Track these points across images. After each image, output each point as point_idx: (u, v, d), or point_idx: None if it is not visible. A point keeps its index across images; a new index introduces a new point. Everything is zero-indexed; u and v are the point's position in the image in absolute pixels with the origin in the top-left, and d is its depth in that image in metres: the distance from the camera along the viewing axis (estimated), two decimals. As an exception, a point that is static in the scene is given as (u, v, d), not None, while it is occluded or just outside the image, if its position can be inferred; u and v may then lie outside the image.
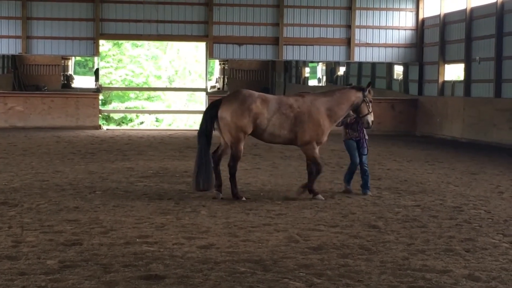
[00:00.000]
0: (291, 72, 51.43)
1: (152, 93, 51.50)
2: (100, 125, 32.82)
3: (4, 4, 31.85)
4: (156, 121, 47.34)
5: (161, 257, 8.66)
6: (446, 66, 32.16)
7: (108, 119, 44.45)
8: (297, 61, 46.54)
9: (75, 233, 9.94)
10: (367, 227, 10.85)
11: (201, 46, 39.19)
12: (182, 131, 33.89)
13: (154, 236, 9.85)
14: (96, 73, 44.65)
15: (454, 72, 32.71)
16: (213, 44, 32.74)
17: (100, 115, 33.78)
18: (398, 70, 37.18)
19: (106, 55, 50.67)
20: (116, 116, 46.91)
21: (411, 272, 8.18)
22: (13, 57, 56.40)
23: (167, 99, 51.48)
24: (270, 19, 32.96)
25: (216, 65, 56.83)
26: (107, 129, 33.50)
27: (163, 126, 44.98)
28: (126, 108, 49.03)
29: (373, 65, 38.19)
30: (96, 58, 56.86)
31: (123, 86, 52.03)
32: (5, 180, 15.02)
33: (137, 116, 47.61)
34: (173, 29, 32.70)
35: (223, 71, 56.86)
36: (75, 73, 65.62)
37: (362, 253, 9.09)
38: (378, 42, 33.54)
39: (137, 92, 51.60)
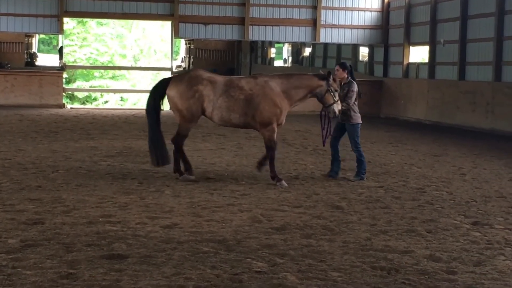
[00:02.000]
0: (257, 52, 51.39)
1: (117, 72, 51.19)
2: (64, 104, 32.51)
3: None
4: (121, 100, 47.11)
5: (124, 236, 8.63)
6: (411, 48, 32.31)
7: (72, 97, 44.13)
8: (263, 42, 46.51)
9: (37, 212, 9.87)
10: (331, 207, 10.90)
11: (167, 25, 38.93)
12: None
13: (117, 216, 9.81)
14: (61, 51, 44.25)
15: (418, 54, 32.88)
16: (179, 23, 32.53)
17: (64, 94, 33.50)
18: (364, 52, 37.28)
19: (70, 33, 50.25)
20: (80, 94, 46.59)
21: (373, 253, 8.24)
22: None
23: (132, 78, 51.23)
24: (234, -2, 32.86)
25: (182, 44, 56.57)
26: (71, 108, 33.23)
27: (128, 105, 44.74)
28: (91, 87, 48.66)
29: (339, 46, 38.24)
30: (60, 36, 56.30)
31: (88, 64, 51.61)
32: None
33: (101, 95, 47.34)
34: (139, 7, 32.40)
35: (189, 51, 56.64)
36: (39, 51, 64.78)
37: (325, 234, 9.14)
38: (344, 24, 33.53)
39: (102, 71, 51.25)
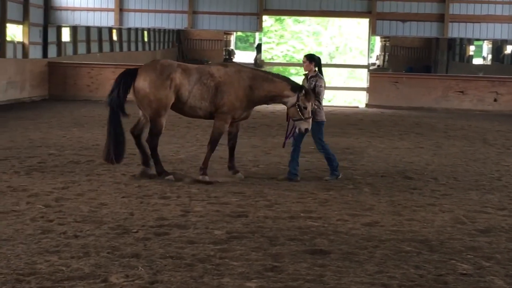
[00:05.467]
0: (455, 50, 50.18)
1: (313, 69, 51.55)
2: (261, 100, 33.15)
3: (171, -20, 32.70)
4: (316, 97, 47.41)
5: (325, 232, 8.70)
6: None
7: (268, 94, 44.86)
8: (461, 39, 45.33)
9: (240, 205, 10.14)
10: (537, 211, 10.45)
11: (363, 22, 38.74)
12: (342, 107, 33.80)
13: (318, 212, 9.90)
14: (259, 47, 45.17)
15: None
16: (376, 20, 32.34)
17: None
18: None
19: (268, 30, 51.18)
20: (276, 91, 47.28)
21: None
22: (178, 32, 58.19)
23: (327, 75, 51.32)
24: (435, -5, 32.21)
25: (377, 42, 56.24)
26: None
27: (323, 102, 44.91)
28: (287, 83, 49.31)
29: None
30: (257, 34, 57.64)
31: (284, 61, 52.41)
32: (172, 152, 15.48)
33: (297, 92, 47.84)
34: (336, 5, 32.51)
35: (384, 48, 56.27)
36: (236, 48, 66.73)
37: (533, 238, 8.78)
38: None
39: (298, 68, 51.82)
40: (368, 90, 32.31)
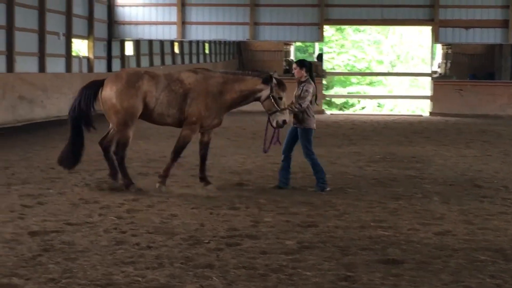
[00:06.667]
0: (519, 56, 49.33)
1: (374, 78, 51.37)
2: (323, 110, 33.17)
3: (232, -9, 32.92)
4: (378, 106, 47.17)
5: (397, 242, 8.64)
6: None
7: (329, 103, 44.82)
8: (525, 44, 44.58)
9: (310, 215, 10.13)
10: None
11: (425, 30, 38.56)
12: (405, 116, 33.59)
13: (388, 221, 9.83)
14: (320, 57, 45.11)
15: None
16: (439, 28, 32.06)
17: (323, 100, 34.11)
18: None
19: (328, 40, 51.17)
20: (338, 101, 47.22)
21: None
22: (238, 43, 58.45)
23: (389, 84, 51.15)
24: (499, 0, 31.78)
25: (438, 49, 55.67)
26: (330, 114, 33.82)
27: (385, 111, 44.70)
28: (348, 93, 49.22)
29: None
30: (316, 44, 57.57)
31: (345, 71, 52.30)
32: (238, 162, 15.55)
33: (358, 101, 47.71)
34: (398, 13, 32.33)
35: (445, 56, 55.63)
36: (295, 58, 66.68)
37: None
38: None
39: (359, 77, 51.69)
40: (432, 98, 32.03)
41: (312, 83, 12.18)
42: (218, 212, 10.23)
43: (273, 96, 11.71)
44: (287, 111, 11.82)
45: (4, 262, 7.42)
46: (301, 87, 12.10)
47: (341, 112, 40.99)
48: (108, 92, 11.82)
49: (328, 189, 12.23)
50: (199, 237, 8.69)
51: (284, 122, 11.78)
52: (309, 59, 53.44)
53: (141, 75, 11.93)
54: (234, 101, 12.03)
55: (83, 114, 11.91)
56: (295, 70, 12.30)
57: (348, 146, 19.24)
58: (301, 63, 12.32)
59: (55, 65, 27.65)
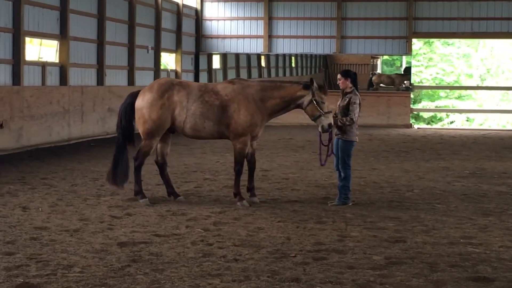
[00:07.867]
0: None
1: (463, 92, 50.48)
2: (411, 124, 32.78)
3: (320, 5, 32.88)
4: (467, 120, 46.32)
5: (487, 259, 8.43)
6: None
7: (417, 117, 44.26)
8: None
9: (397, 230, 9.98)
10: None
11: (517, 43, 37.71)
12: (496, 131, 32.91)
13: (478, 238, 9.61)
14: (408, 71, 44.66)
15: None
16: (531, 40, 31.36)
17: (410, 114, 33.73)
18: None
19: (417, 53, 50.60)
20: (425, 115, 46.58)
21: None
22: (325, 57, 58.43)
23: (479, 98, 50.17)
24: None
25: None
26: (418, 128, 33.39)
27: (474, 125, 43.86)
28: (436, 107, 48.51)
29: None
30: (403, 57, 57.01)
31: (434, 84, 51.59)
32: (325, 176, 15.48)
33: (447, 115, 46.94)
34: (488, 26, 31.76)
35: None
36: (382, 71, 66.22)
37: None
38: None
39: (448, 90, 50.89)
40: (524, 112, 31.31)
41: (358, 94, 12.00)
42: (304, 226, 10.19)
43: (315, 100, 11.57)
44: (331, 114, 11.63)
45: (94, 272, 7.54)
46: (347, 98, 11.90)
47: (429, 126, 40.39)
48: (140, 102, 11.88)
49: (350, 203, 12.00)
50: (285, 251, 8.66)
51: (330, 125, 11.60)
52: (395, 72, 53.16)
53: (172, 85, 11.89)
54: (275, 108, 11.88)
55: (125, 130, 12.07)
56: (340, 81, 12.06)
57: (437, 160, 18.93)
58: (346, 73, 12.13)
59: (144, 78, 28.10)
